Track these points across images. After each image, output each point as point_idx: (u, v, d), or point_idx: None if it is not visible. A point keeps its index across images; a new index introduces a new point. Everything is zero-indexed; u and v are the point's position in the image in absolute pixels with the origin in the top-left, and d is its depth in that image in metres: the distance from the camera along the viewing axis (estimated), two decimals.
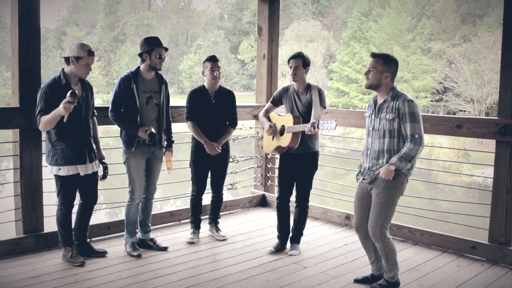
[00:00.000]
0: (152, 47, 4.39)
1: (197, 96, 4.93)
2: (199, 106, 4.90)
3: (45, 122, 3.95)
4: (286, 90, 4.72)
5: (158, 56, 4.41)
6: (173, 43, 55.32)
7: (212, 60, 4.88)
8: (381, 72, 3.67)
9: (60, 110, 3.82)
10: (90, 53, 4.07)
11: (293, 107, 4.62)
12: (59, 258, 4.30)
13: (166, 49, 4.51)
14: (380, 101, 3.75)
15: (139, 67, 4.52)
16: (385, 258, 3.78)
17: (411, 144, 3.58)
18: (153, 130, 4.35)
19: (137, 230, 4.73)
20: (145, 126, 4.40)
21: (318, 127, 4.20)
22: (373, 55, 3.75)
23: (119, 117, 4.44)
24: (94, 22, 58.98)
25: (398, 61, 3.81)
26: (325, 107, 4.59)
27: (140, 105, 4.42)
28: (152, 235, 4.81)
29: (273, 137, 4.76)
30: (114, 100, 4.45)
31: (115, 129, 4.61)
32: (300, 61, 4.55)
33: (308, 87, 4.58)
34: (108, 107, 4.52)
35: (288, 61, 4.59)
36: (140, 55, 4.47)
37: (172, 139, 4.77)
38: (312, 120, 4.31)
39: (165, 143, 4.69)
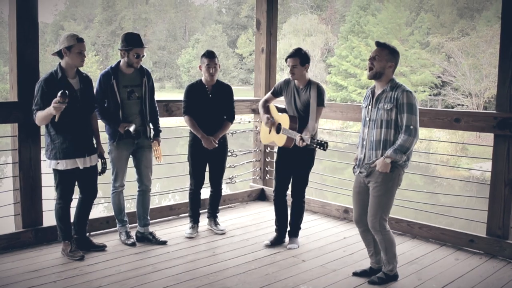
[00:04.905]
0: (130, 47, 4.39)
1: (194, 90, 4.93)
2: (196, 101, 4.90)
3: (40, 118, 3.98)
4: (287, 83, 4.70)
5: (135, 55, 4.40)
6: (171, 37, 55.19)
7: (209, 56, 4.85)
8: (386, 60, 3.65)
9: (51, 109, 3.83)
10: (80, 39, 4.08)
11: (291, 102, 4.61)
12: (58, 252, 4.31)
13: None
14: (378, 91, 3.75)
15: (120, 61, 4.53)
16: (385, 250, 3.80)
17: (406, 135, 3.57)
18: (130, 129, 4.38)
19: (136, 224, 4.75)
20: (126, 122, 4.43)
21: (308, 142, 4.20)
22: (379, 44, 3.72)
23: (102, 112, 4.49)
24: (92, 16, 58.71)
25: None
26: (323, 106, 4.57)
27: (121, 100, 4.45)
28: (151, 228, 4.82)
29: (270, 130, 4.76)
30: (96, 96, 4.46)
31: None
32: (298, 60, 4.49)
33: (309, 84, 4.55)
34: None
35: (286, 59, 4.56)
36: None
37: (160, 129, 4.75)
38: (304, 132, 4.32)
39: (152, 133, 4.68)
